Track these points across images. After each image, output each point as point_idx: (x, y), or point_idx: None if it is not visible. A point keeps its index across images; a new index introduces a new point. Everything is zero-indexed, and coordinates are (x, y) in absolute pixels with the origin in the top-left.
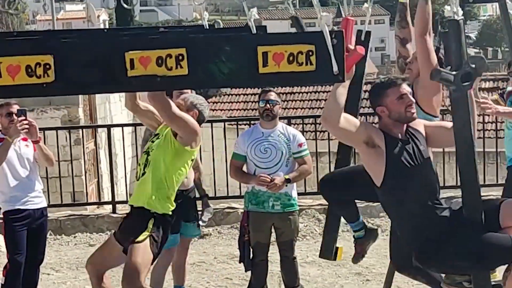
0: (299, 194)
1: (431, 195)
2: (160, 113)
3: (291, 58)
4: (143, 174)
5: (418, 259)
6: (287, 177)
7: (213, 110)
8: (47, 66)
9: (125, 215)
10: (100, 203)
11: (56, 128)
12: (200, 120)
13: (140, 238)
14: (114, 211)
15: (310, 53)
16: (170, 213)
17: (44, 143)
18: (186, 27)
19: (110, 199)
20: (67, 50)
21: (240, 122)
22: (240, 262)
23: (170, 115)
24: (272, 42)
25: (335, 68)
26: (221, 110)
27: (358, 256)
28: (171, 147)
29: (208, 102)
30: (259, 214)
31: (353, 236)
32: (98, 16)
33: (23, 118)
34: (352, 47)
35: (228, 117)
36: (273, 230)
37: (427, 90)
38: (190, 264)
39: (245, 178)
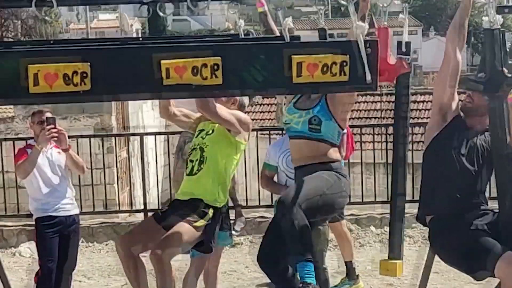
0: None
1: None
2: (212, 118)
3: (325, 68)
4: (199, 170)
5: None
6: None
7: None
8: (84, 74)
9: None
10: (132, 211)
11: (89, 136)
12: (242, 104)
13: (197, 223)
14: None
15: (344, 64)
16: (223, 205)
17: (77, 150)
18: (220, 36)
19: (142, 207)
20: (103, 58)
21: (272, 132)
22: None
23: (221, 118)
24: (306, 51)
25: (368, 77)
26: (253, 119)
27: None
28: (227, 141)
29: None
30: None
31: None
32: (131, 25)
33: (52, 126)
34: (393, 58)
35: (260, 126)
36: None
37: (344, 106)
38: (222, 272)
39: (275, 188)
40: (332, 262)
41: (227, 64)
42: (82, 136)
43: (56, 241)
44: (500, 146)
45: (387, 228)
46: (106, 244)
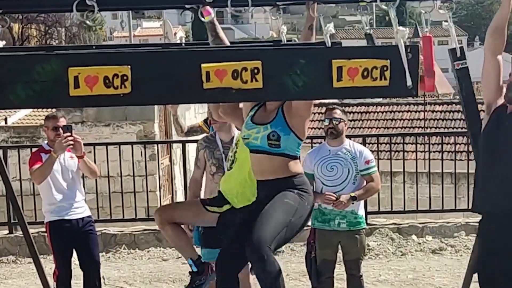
0: (372, 213)
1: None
2: (235, 123)
3: (365, 73)
4: (230, 169)
5: None
6: (353, 194)
7: None
8: (125, 77)
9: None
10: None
11: (132, 143)
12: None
13: (210, 208)
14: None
15: (385, 68)
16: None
17: (120, 158)
18: (262, 42)
19: None
20: (144, 62)
21: (315, 140)
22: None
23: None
24: (346, 56)
25: (409, 82)
26: None
27: None
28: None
29: None
30: (325, 232)
31: None
32: (175, 33)
33: (69, 134)
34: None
35: None
36: (340, 248)
37: (302, 118)
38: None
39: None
40: (374, 270)
41: (267, 68)
42: (124, 143)
43: (70, 244)
44: None
45: (428, 237)
46: (148, 251)
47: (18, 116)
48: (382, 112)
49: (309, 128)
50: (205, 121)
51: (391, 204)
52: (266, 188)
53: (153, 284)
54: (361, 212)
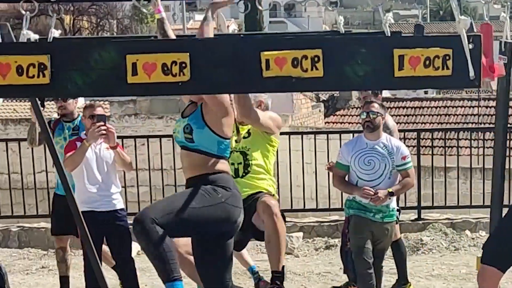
0: (426, 208)
1: None
2: (254, 125)
3: (427, 62)
4: (246, 173)
5: None
6: (390, 190)
7: (341, 123)
8: (183, 65)
9: None
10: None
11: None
12: (267, 106)
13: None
14: None
15: (447, 58)
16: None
17: (173, 151)
18: (320, 32)
19: None
20: (203, 49)
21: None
22: (344, 273)
23: (262, 124)
24: (408, 45)
25: (471, 73)
26: (349, 123)
27: None
28: (264, 142)
29: (336, 114)
30: (359, 218)
31: None
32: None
33: (102, 124)
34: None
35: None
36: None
37: (217, 115)
38: (316, 274)
39: (349, 188)
40: (427, 265)
41: (327, 57)
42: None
43: (100, 235)
44: None
45: (482, 232)
46: None
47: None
48: (436, 107)
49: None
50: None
51: (445, 199)
52: (188, 187)
53: None
54: (393, 204)
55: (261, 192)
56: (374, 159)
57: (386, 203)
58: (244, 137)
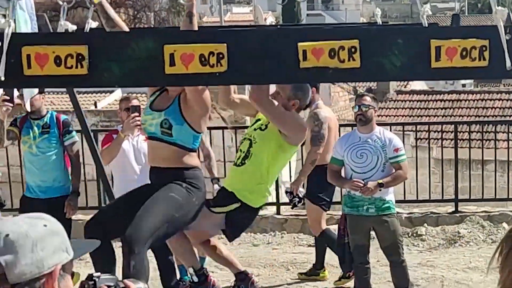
0: (463, 200)
1: None
2: (263, 113)
3: (464, 53)
4: (242, 164)
5: None
6: (380, 181)
7: (379, 115)
8: (221, 55)
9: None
10: (264, 204)
11: (222, 128)
12: (300, 108)
13: (216, 209)
14: (278, 213)
15: (484, 48)
16: (259, 206)
17: (211, 143)
18: (358, 24)
19: (275, 201)
20: (240, 40)
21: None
22: (340, 265)
23: (273, 116)
24: (445, 35)
25: (508, 63)
26: (387, 116)
27: None
28: (276, 143)
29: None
30: (354, 217)
31: None
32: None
33: (136, 114)
34: None
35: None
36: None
37: (195, 111)
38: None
39: (340, 181)
40: (464, 257)
41: (365, 47)
42: (215, 128)
43: None
44: None
45: None
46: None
47: (107, 101)
48: (474, 100)
49: (401, 116)
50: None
51: (482, 192)
52: (157, 175)
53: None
54: (390, 197)
55: (231, 193)
56: (366, 152)
57: (378, 195)
58: (261, 128)
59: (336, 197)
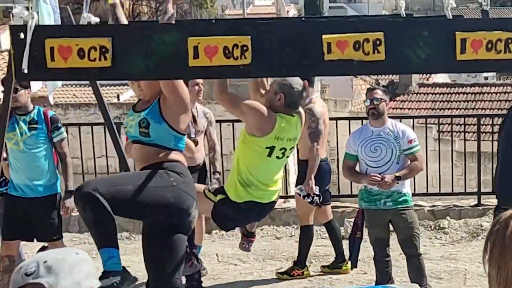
0: (486, 193)
1: None
2: (225, 108)
3: (489, 45)
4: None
5: None
6: (397, 174)
7: (401, 108)
8: (245, 48)
9: None
10: (287, 197)
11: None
12: (288, 103)
13: (208, 194)
14: None
15: (509, 41)
16: (242, 201)
17: (233, 136)
18: (382, 16)
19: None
20: (264, 32)
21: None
22: (349, 259)
23: (236, 110)
24: (470, 28)
25: None
26: (409, 108)
27: None
28: (243, 137)
29: (396, 100)
30: (372, 212)
31: None
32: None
33: None
34: None
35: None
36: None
37: (175, 110)
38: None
39: (356, 177)
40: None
41: (389, 40)
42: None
43: None
44: None
45: None
46: (261, 229)
47: (130, 93)
48: (497, 93)
49: (423, 109)
50: None
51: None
52: None
53: (266, 262)
54: (407, 190)
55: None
56: (380, 146)
57: (395, 188)
58: None
59: (346, 190)
